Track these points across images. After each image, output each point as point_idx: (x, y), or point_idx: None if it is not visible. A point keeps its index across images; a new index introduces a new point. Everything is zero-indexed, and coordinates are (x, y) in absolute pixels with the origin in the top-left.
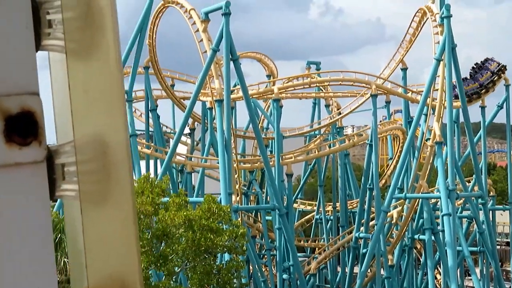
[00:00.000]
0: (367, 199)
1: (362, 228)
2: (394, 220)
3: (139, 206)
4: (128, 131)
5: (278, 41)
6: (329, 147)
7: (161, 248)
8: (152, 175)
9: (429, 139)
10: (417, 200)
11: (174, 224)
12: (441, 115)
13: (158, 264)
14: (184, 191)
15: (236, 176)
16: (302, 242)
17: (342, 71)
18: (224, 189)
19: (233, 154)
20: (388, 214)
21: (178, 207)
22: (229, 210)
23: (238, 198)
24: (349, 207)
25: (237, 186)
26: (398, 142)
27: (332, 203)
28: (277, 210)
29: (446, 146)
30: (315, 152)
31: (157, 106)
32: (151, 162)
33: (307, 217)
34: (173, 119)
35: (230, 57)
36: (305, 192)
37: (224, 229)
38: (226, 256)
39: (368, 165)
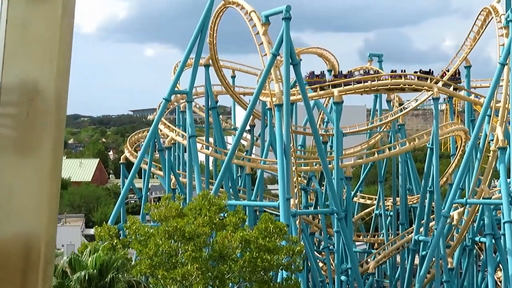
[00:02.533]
0: (427, 202)
1: (421, 229)
2: (454, 222)
3: (196, 228)
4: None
5: (338, 13)
6: (389, 149)
7: (218, 267)
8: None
9: (492, 140)
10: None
11: (231, 245)
12: (504, 119)
13: (215, 286)
14: (242, 189)
15: (294, 179)
16: (361, 237)
17: (402, 74)
18: (282, 194)
19: (292, 158)
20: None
21: (235, 226)
22: (285, 228)
23: (296, 201)
24: (409, 202)
25: (295, 190)
26: (460, 141)
27: (392, 199)
28: (335, 214)
29: (510, 150)
30: (374, 155)
31: (217, 102)
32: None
33: (367, 210)
34: (234, 116)
35: (290, 61)
36: (366, 185)
37: (281, 246)
38: (283, 273)
39: (428, 168)
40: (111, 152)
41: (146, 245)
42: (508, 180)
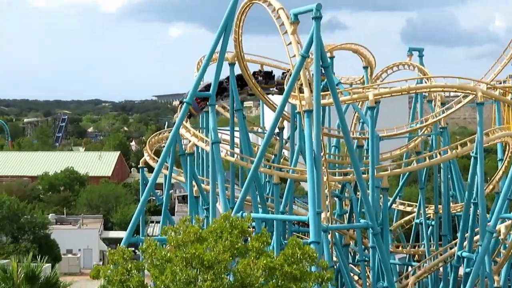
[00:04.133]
0: (471, 214)
1: (465, 243)
2: (501, 236)
3: (216, 255)
4: None
5: None
6: (430, 158)
7: None
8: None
9: None
10: None
11: (254, 273)
12: None
13: None
14: (271, 197)
15: (326, 190)
16: (400, 248)
17: (445, 76)
18: (312, 208)
19: (323, 167)
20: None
21: (258, 251)
22: (315, 254)
23: (328, 214)
24: (452, 210)
25: (327, 202)
26: (508, 147)
27: (434, 208)
28: (370, 229)
29: None
30: (413, 164)
31: (243, 102)
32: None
33: (407, 218)
34: (262, 117)
35: (321, 63)
36: (405, 195)
37: (309, 271)
38: None
39: (472, 178)
40: (133, 143)
41: (163, 270)
42: None
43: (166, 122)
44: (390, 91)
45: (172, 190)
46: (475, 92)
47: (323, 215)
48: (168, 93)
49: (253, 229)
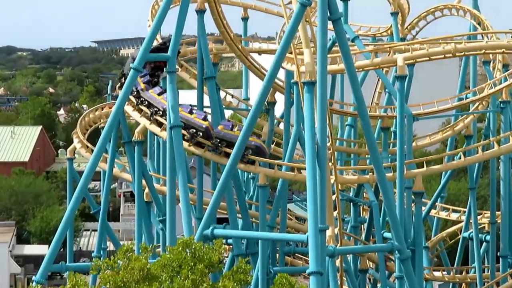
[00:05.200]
0: None
1: None
2: None
3: None
4: None
5: None
6: (482, 150)
7: None
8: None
9: None
10: None
11: None
12: None
13: None
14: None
15: (334, 196)
16: (441, 273)
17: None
18: (313, 223)
19: (330, 163)
20: None
21: None
22: None
23: (336, 230)
24: None
25: (335, 213)
26: None
27: (490, 215)
28: (396, 252)
29: None
30: (459, 157)
31: (217, 65)
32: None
33: (451, 229)
34: (245, 88)
35: (328, 15)
36: (449, 195)
37: None
38: None
39: None
40: (61, 111)
41: None
42: None
43: (110, 82)
44: (429, 54)
45: (115, 184)
46: None
47: (328, 232)
48: (112, 37)
49: (229, 249)
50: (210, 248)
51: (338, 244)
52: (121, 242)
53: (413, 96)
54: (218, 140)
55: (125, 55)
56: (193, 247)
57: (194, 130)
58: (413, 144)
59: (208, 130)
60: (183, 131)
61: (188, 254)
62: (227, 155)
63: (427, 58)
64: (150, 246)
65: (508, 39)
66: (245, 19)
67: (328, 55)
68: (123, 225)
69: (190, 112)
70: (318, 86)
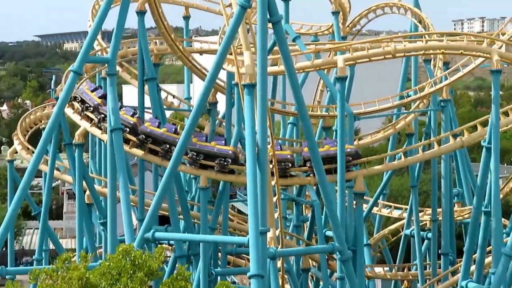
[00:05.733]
0: (481, 228)
1: (473, 268)
2: None
3: None
4: None
5: None
6: (423, 150)
7: None
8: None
9: None
10: None
11: None
12: None
13: None
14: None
15: (275, 198)
16: (383, 270)
17: (445, 33)
18: (254, 226)
19: (271, 164)
20: None
21: None
22: None
23: (278, 232)
24: (457, 217)
25: (276, 214)
26: None
27: (431, 213)
28: (337, 253)
29: None
30: (400, 158)
31: (158, 66)
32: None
33: (393, 226)
34: (187, 88)
35: (268, 17)
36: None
37: None
38: None
39: (484, 176)
40: (4, 107)
41: None
42: None
43: (54, 77)
44: (368, 55)
45: (59, 181)
46: (490, 55)
47: (269, 234)
48: (56, 31)
49: (171, 250)
50: (150, 256)
51: (280, 246)
52: (64, 241)
53: (356, 94)
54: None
55: (68, 49)
56: (132, 255)
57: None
58: (355, 142)
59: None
60: None
61: (128, 262)
62: (168, 157)
63: (367, 59)
64: (89, 255)
65: (447, 40)
66: (186, 18)
67: (269, 57)
68: (66, 223)
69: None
70: (258, 88)
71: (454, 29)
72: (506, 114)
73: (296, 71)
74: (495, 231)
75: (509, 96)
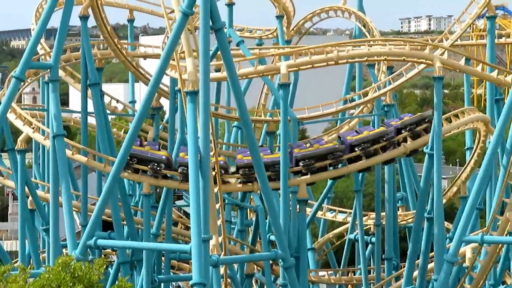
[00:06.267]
0: (424, 233)
1: (416, 273)
2: (467, 263)
3: None
4: None
5: None
6: (366, 156)
7: None
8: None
9: None
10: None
11: None
12: None
13: None
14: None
15: (218, 205)
16: (327, 275)
17: (387, 40)
18: (196, 234)
19: (213, 171)
20: (460, 252)
21: None
22: None
23: (221, 239)
24: (401, 222)
25: (219, 221)
26: (479, 136)
27: (375, 217)
28: (280, 261)
29: None
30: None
31: (101, 70)
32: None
33: (337, 230)
34: (131, 91)
35: (211, 24)
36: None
37: None
38: None
39: (426, 183)
40: None
41: None
42: None
43: (0, 74)
44: (311, 61)
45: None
46: (430, 62)
47: (212, 241)
48: (2, 29)
49: (115, 254)
50: (90, 268)
51: (223, 253)
52: (9, 242)
53: (301, 97)
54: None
55: (15, 47)
56: (72, 267)
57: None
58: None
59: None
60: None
61: (67, 274)
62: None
63: (310, 66)
64: (28, 267)
65: (390, 46)
66: (131, 21)
67: (213, 62)
68: (11, 225)
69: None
70: (200, 95)
71: (401, 27)
72: (448, 120)
73: (240, 78)
74: (437, 237)
75: (455, 95)
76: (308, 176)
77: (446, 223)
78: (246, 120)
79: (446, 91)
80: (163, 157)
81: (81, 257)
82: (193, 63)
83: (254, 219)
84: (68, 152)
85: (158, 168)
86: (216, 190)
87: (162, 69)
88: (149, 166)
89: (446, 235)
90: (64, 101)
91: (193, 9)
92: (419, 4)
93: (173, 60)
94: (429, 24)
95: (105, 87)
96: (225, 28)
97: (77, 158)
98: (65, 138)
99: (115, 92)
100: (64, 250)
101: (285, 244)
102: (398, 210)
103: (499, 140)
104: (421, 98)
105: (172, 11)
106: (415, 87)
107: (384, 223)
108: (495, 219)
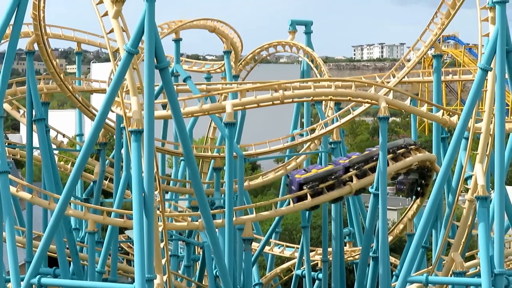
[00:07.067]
0: (369, 272)
1: None
2: None
3: None
4: None
5: None
6: (312, 195)
7: None
8: None
9: (471, 177)
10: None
11: None
12: (487, 153)
13: None
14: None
15: (162, 244)
16: None
17: (331, 79)
18: (140, 274)
19: (158, 210)
20: None
21: None
22: None
23: (166, 278)
24: (348, 258)
25: (163, 260)
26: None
27: (322, 253)
28: None
29: (495, 202)
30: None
31: (46, 104)
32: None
33: (285, 265)
34: (79, 125)
35: (155, 63)
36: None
37: None
38: None
39: (371, 223)
40: None
41: None
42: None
43: None
44: (257, 100)
45: None
46: (376, 102)
47: (157, 281)
48: None
49: None
50: None
51: None
52: None
53: (249, 130)
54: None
55: None
56: None
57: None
58: (246, 183)
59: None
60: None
61: None
62: None
63: (256, 105)
64: None
65: (333, 88)
66: (79, 53)
67: (159, 100)
68: None
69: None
70: (145, 134)
71: (354, 54)
72: (394, 159)
73: (185, 116)
74: (382, 278)
75: (406, 124)
76: (254, 216)
77: (393, 258)
78: (190, 159)
79: (397, 119)
80: None
81: None
82: (137, 102)
83: (201, 254)
84: (12, 189)
85: None
86: (160, 229)
87: (107, 106)
88: None
89: (393, 272)
90: (15, 126)
91: (137, 48)
92: (371, 32)
93: (117, 97)
94: (382, 52)
95: (57, 113)
96: (171, 65)
97: (21, 195)
98: (9, 175)
99: (67, 118)
100: (8, 285)
101: (230, 285)
102: (346, 245)
103: (445, 179)
104: (372, 126)
105: (117, 50)
106: (367, 114)
107: (331, 259)
108: (441, 259)
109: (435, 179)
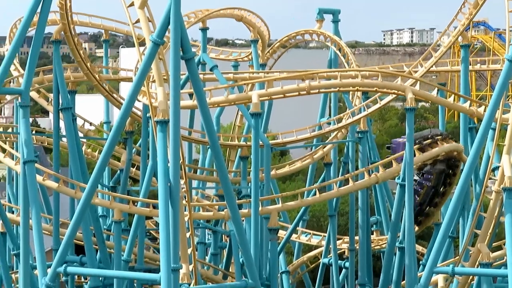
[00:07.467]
0: (396, 262)
1: None
2: None
3: None
4: None
5: None
6: (339, 185)
7: None
8: None
9: (498, 168)
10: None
11: None
12: None
13: None
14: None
15: (188, 234)
16: None
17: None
18: (165, 263)
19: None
20: (432, 280)
21: None
22: None
23: (191, 268)
24: (375, 246)
25: (190, 250)
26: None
27: (349, 241)
28: None
29: None
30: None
31: (74, 92)
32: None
33: (312, 253)
34: (106, 113)
35: (181, 53)
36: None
37: None
38: None
39: (397, 213)
40: None
41: None
42: None
43: None
44: (283, 91)
45: None
46: (402, 93)
47: (183, 270)
48: None
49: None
50: None
51: (193, 282)
52: None
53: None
54: None
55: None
56: None
57: None
58: (272, 172)
59: None
60: None
61: None
62: None
63: (282, 95)
64: None
65: (362, 76)
66: (106, 41)
67: (185, 90)
68: None
69: None
70: (171, 125)
71: (384, 39)
72: (421, 150)
73: (211, 106)
74: (408, 268)
75: (436, 109)
76: (280, 206)
77: (421, 247)
78: (215, 148)
79: (427, 105)
80: None
81: (51, 284)
82: (163, 92)
83: (228, 242)
84: (39, 178)
85: None
86: (186, 219)
87: (133, 96)
88: None
89: (420, 262)
90: (45, 110)
91: (163, 38)
92: (401, 17)
93: (143, 86)
94: (412, 37)
95: (86, 97)
96: (197, 55)
97: (48, 184)
98: (36, 164)
99: (96, 103)
100: (35, 272)
101: (256, 274)
102: (373, 234)
103: (472, 169)
104: (401, 112)
105: (142, 40)
106: (397, 100)
107: (358, 247)
108: (467, 250)
109: (462, 169)
